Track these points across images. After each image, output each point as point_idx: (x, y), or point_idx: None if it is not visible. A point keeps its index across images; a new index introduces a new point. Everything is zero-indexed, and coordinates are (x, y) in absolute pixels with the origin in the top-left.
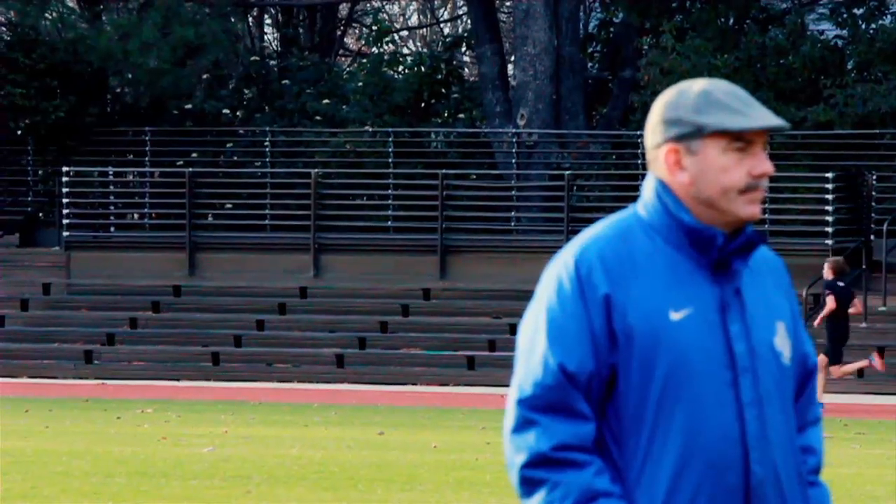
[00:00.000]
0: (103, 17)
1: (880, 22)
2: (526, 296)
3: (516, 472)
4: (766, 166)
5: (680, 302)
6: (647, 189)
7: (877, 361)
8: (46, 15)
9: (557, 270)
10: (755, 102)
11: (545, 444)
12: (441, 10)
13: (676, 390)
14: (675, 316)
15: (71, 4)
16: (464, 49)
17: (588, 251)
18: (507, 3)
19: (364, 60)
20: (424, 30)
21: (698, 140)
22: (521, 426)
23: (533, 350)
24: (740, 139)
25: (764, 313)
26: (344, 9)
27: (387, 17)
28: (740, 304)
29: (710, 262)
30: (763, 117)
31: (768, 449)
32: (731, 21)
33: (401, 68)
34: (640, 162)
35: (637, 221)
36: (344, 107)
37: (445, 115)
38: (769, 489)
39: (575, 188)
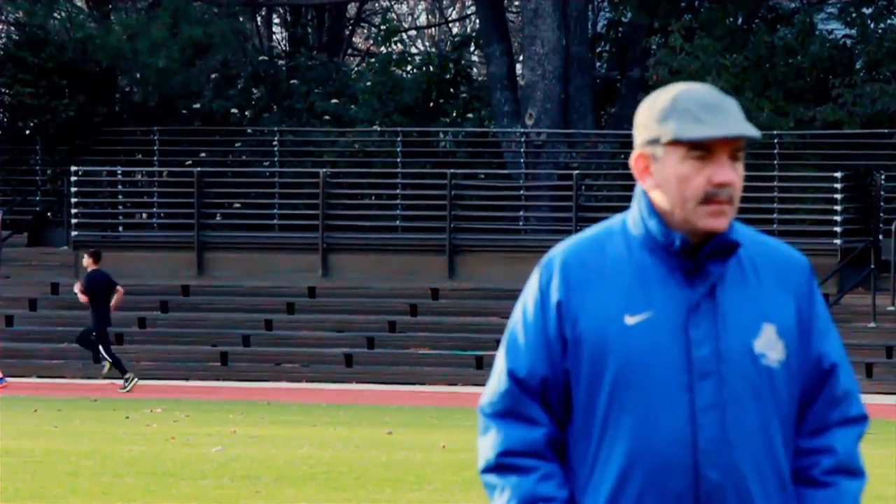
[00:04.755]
0: (112, 17)
1: (889, 21)
2: None
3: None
4: (728, 175)
5: (638, 307)
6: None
7: None
8: (55, 14)
9: (531, 278)
10: (724, 110)
11: (495, 450)
12: (449, 10)
13: (625, 395)
14: (629, 321)
15: (79, 4)
16: (472, 49)
17: (554, 259)
18: (516, 3)
19: (372, 60)
20: (433, 29)
21: (660, 147)
22: (482, 432)
23: (499, 357)
24: (700, 148)
25: (746, 315)
26: (352, 8)
27: (395, 17)
28: (713, 308)
29: (682, 266)
30: (723, 126)
31: (728, 453)
32: (740, 21)
33: (409, 68)
34: None
35: (621, 226)
36: (352, 106)
37: (454, 114)
38: (729, 494)
39: (583, 188)
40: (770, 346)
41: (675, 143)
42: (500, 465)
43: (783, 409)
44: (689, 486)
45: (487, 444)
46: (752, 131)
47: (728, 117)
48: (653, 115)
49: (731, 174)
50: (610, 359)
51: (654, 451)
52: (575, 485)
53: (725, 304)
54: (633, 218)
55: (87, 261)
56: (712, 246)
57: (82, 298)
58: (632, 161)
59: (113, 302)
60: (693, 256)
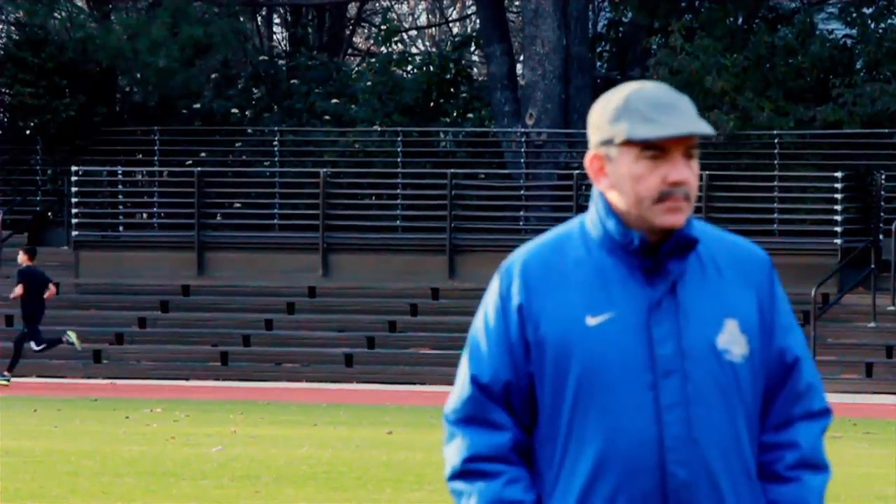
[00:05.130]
0: (112, 17)
1: (889, 21)
2: None
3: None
4: (682, 174)
5: (600, 307)
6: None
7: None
8: (55, 14)
9: (491, 283)
10: (677, 108)
11: (461, 456)
12: (450, 10)
13: (590, 396)
14: (591, 322)
15: (80, 4)
16: (473, 48)
17: (514, 264)
18: (516, 3)
19: (373, 60)
20: (433, 29)
21: (614, 148)
22: (447, 439)
23: (462, 364)
24: (653, 147)
25: (708, 312)
26: (353, 8)
27: (395, 17)
28: (674, 305)
29: (642, 265)
30: (675, 125)
31: (696, 450)
32: (740, 21)
33: (409, 68)
34: None
35: (580, 228)
36: (352, 106)
37: (454, 114)
38: (699, 491)
39: (584, 188)
40: (733, 341)
41: (628, 143)
42: (467, 471)
43: (748, 403)
44: (656, 485)
45: (453, 451)
46: (704, 128)
47: (680, 116)
48: (605, 116)
49: (686, 172)
50: (573, 361)
51: (621, 452)
52: (542, 488)
53: (687, 301)
54: (591, 219)
55: (21, 257)
56: (671, 243)
57: (16, 293)
58: (586, 162)
59: (46, 295)
60: (652, 255)
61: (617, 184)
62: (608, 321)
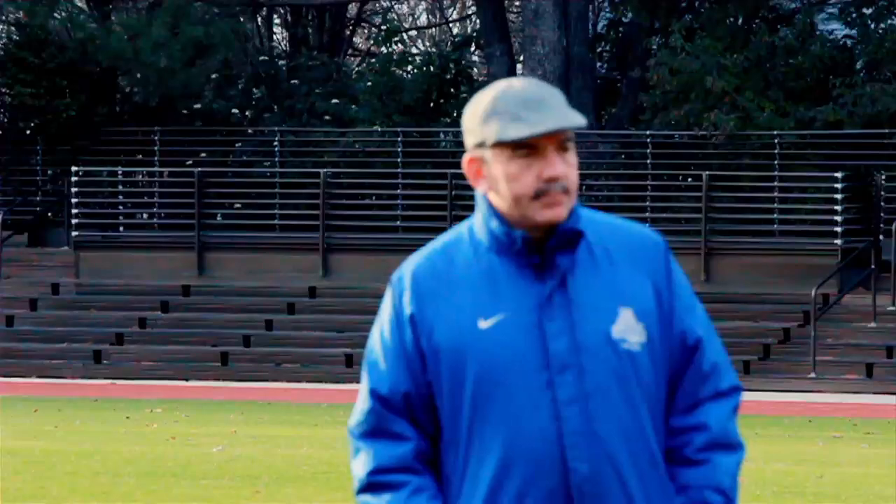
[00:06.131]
0: (112, 17)
1: (889, 22)
2: None
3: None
4: (557, 169)
5: (491, 309)
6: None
7: None
8: (55, 14)
9: (385, 296)
10: (545, 104)
11: (366, 469)
12: (450, 10)
13: (488, 400)
14: (483, 324)
15: (80, 4)
16: (473, 49)
17: (404, 274)
18: (517, 3)
19: (373, 60)
20: (433, 29)
21: (487, 150)
22: (353, 454)
23: (362, 378)
24: (525, 146)
25: (601, 302)
26: (353, 8)
27: (396, 17)
28: (566, 299)
29: (530, 262)
30: (544, 122)
31: (597, 443)
32: (741, 21)
33: (410, 68)
34: (649, 162)
35: (469, 232)
36: (353, 107)
37: (454, 114)
38: (604, 484)
39: (584, 188)
40: (629, 330)
41: (500, 144)
42: (372, 484)
43: (651, 391)
44: (560, 482)
45: (359, 465)
46: (573, 121)
47: (549, 111)
48: (476, 119)
49: (560, 167)
50: (468, 366)
51: (523, 453)
52: (449, 494)
53: (578, 294)
54: (477, 222)
55: None
56: (556, 238)
57: None
58: (464, 166)
59: None
60: (540, 251)
61: (495, 185)
62: (500, 322)
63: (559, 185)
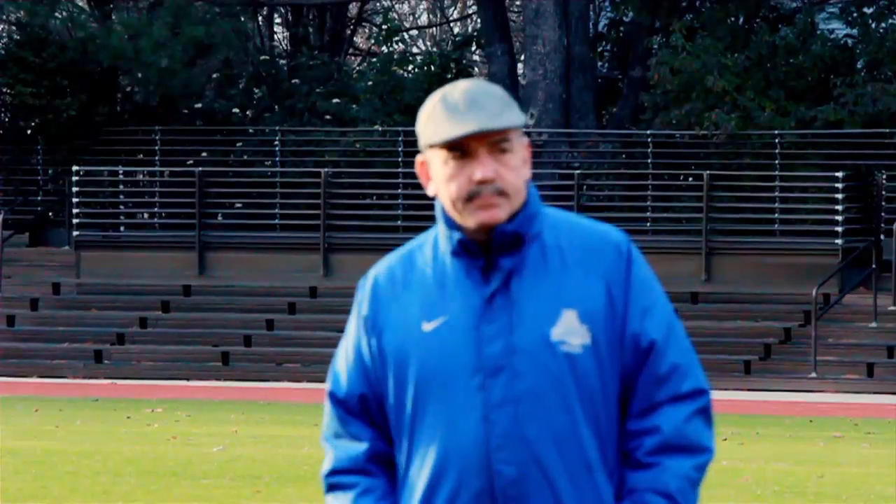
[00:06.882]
0: (113, 17)
1: (890, 21)
2: None
3: None
4: (485, 171)
5: (435, 312)
6: None
7: None
8: (56, 14)
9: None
10: (478, 105)
11: (325, 471)
12: (451, 10)
13: (426, 402)
14: (427, 327)
15: (81, 4)
16: (474, 48)
17: (367, 278)
18: (518, 3)
19: (374, 60)
20: (434, 29)
21: (429, 152)
22: (325, 455)
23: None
24: (456, 148)
25: (543, 305)
26: (354, 8)
27: (396, 17)
28: (507, 302)
29: (477, 264)
30: (470, 123)
31: (525, 447)
32: (742, 20)
33: (410, 67)
34: (649, 161)
35: (434, 236)
36: (354, 106)
37: None
38: (530, 487)
39: (585, 188)
40: (570, 332)
41: (434, 146)
42: (331, 485)
43: (593, 394)
44: (486, 484)
45: (323, 467)
46: (499, 123)
47: (479, 112)
48: (421, 122)
49: (491, 169)
50: (410, 369)
51: (456, 456)
52: (401, 494)
53: (521, 296)
54: (439, 226)
55: None
56: (495, 240)
57: None
58: (416, 168)
59: None
60: (487, 253)
61: (437, 188)
62: (442, 325)
63: (491, 188)
